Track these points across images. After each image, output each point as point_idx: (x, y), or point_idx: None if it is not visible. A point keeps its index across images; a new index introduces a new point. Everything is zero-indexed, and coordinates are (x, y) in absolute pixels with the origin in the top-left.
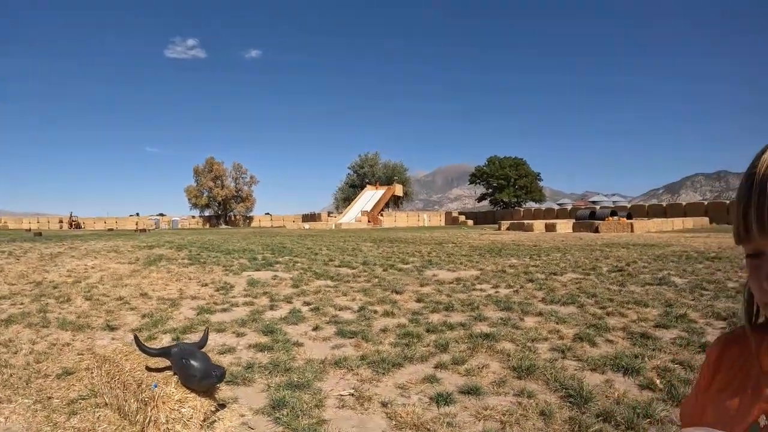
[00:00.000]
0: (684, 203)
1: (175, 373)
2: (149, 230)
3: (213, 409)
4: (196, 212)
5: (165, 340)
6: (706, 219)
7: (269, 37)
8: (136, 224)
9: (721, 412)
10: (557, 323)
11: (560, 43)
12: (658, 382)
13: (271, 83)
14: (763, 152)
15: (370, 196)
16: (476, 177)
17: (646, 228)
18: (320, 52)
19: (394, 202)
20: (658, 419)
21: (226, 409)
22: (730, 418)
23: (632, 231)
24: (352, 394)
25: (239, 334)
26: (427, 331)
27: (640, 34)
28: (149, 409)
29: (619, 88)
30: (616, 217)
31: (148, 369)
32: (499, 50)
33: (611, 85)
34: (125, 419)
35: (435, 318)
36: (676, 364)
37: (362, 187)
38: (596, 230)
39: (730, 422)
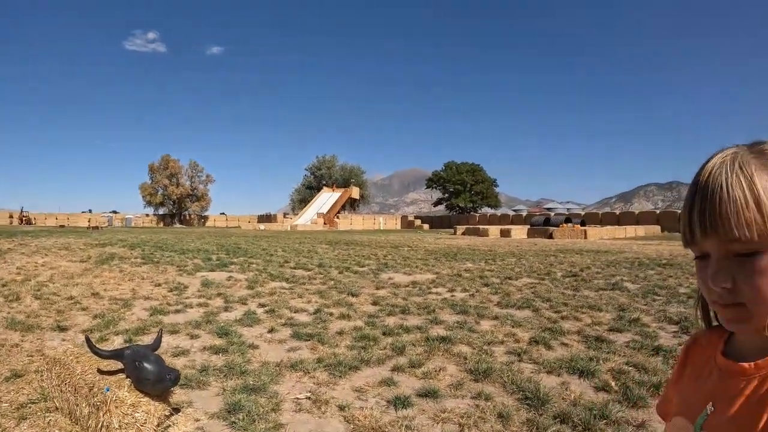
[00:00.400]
0: (636, 212)
1: (128, 377)
2: (102, 228)
3: (167, 413)
4: (151, 210)
5: (117, 342)
6: (658, 227)
7: (231, 34)
8: (89, 221)
9: (684, 403)
10: (513, 327)
11: (520, 52)
12: (613, 384)
13: (230, 81)
14: (707, 162)
15: (326, 198)
16: (433, 181)
17: (599, 235)
18: (280, 51)
19: (351, 204)
20: (614, 420)
21: (180, 413)
22: (690, 407)
23: (586, 237)
24: (309, 398)
25: (193, 336)
26: (384, 334)
27: (592, 42)
28: (101, 414)
29: (576, 98)
30: (570, 224)
31: (100, 372)
32: (460, 53)
33: (569, 93)
34: (77, 424)
35: (391, 321)
36: (631, 366)
37: (319, 189)
38: (550, 236)
39: (689, 411)
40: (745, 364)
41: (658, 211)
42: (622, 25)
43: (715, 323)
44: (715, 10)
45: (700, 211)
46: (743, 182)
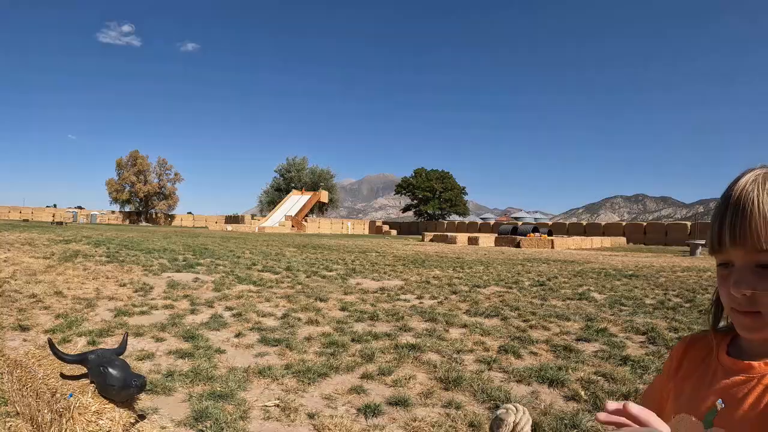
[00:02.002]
0: (603, 223)
1: (92, 382)
2: (66, 223)
3: (132, 420)
4: (117, 207)
5: (80, 344)
6: (624, 239)
7: (208, 32)
8: (53, 216)
9: (682, 399)
10: (482, 335)
11: (490, 60)
12: (582, 393)
13: (204, 79)
14: (738, 179)
15: (295, 201)
16: (402, 188)
17: (566, 245)
18: (254, 51)
19: (319, 208)
20: (584, 429)
21: (146, 420)
22: (694, 404)
23: (553, 247)
24: (278, 405)
25: (159, 339)
26: (353, 340)
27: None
28: (64, 421)
29: (547, 108)
30: (537, 234)
31: (63, 376)
32: (433, 60)
33: (538, 106)
34: (38, 431)
35: (360, 327)
36: (599, 375)
37: (288, 192)
38: (518, 245)
39: (688, 407)
40: (755, 362)
41: (624, 223)
42: (592, 35)
43: (722, 324)
44: (689, 18)
45: (731, 223)
46: None
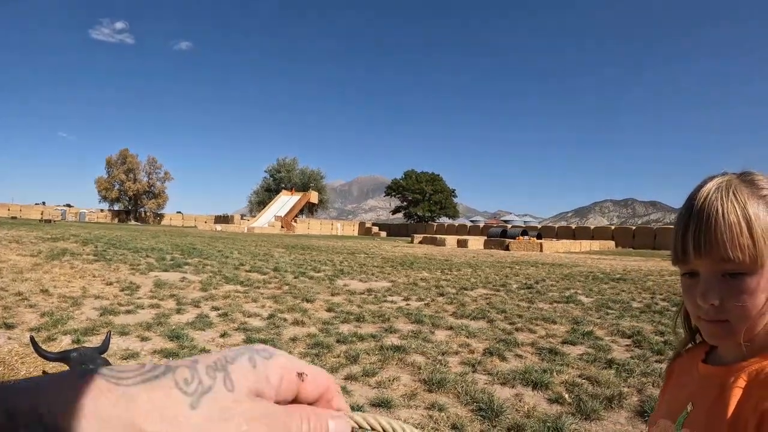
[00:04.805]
0: (592, 227)
1: None
2: (55, 221)
3: None
4: (106, 205)
5: (65, 342)
6: (613, 243)
7: (200, 30)
8: (42, 214)
9: (668, 407)
10: (467, 337)
11: (482, 63)
12: (566, 396)
13: (196, 78)
14: (701, 187)
15: (284, 202)
16: (392, 189)
17: (555, 248)
18: (246, 50)
19: (309, 209)
20: None
21: None
22: (673, 410)
23: (541, 250)
24: None
25: (144, 338)
26: (338, 341)
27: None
28: None
29: (538, 111)
30: (526, 237)
31: (45, 374)
32: (422, 62)
33: (531, 107)
34: None
35: (345, 328)
36: (584, 379)
37: (278, 192)
38: (507, 248)
39: (672, 414)
40: (722, 367)
41: (613, 227)
42: (583, 37)
43: (699, 340)
44: (683, 19)
45: (695, 232)
46: (737, 209)
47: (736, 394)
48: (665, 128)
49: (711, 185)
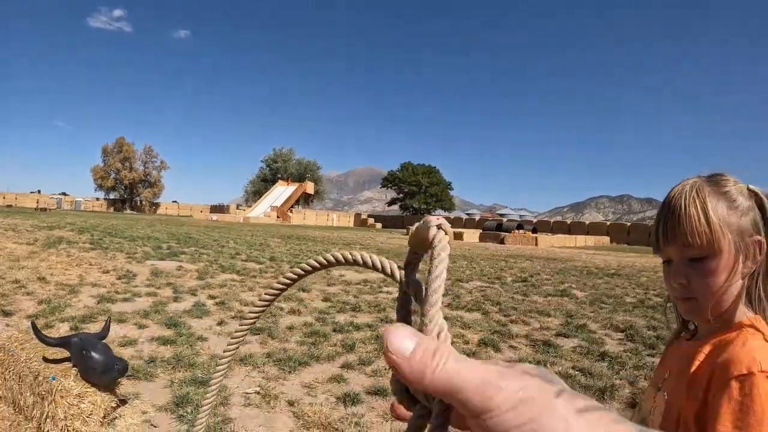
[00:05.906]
0: (587, 222)
1: (74, 366)
2: (50, 210)
3: (114, 405)
4: (101, 194)
5: (63, 329)
6: (607, 238)
7: (200, 19)
8: (37, 202)
9: (655, 378)
10: (462, 328)
11: (477, 57)
12: None
13: (193, 67)
14: (674, 188)
15: (280, 192)
16: (389, 181)
17: (550, 243)
18: (244, 42)
19: (305, 199)
20: None
21: (127, 405)
22: (655, 378)
23: (537, 244)
24: (259, 393)
25: (141, 326)
26: (334, 330)
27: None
28: (46, 404)
29: (535, 106)
30: (522, 231)
31: (46, 360)
32: (417, 56)
33: (528, 102)
34: (21, 414)
35: (342, 318)
36: (577, 371)
37: (274, 182)
38: (502, 242)
39: (655, 383)
40: (697, 341)
41: (608, 223)
42: (579, 35)
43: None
44: (679, 19)
45: (664, 224)
46: (698, 203)
47: (699, 358)
48: (663, 127)
49: (680, 186)
